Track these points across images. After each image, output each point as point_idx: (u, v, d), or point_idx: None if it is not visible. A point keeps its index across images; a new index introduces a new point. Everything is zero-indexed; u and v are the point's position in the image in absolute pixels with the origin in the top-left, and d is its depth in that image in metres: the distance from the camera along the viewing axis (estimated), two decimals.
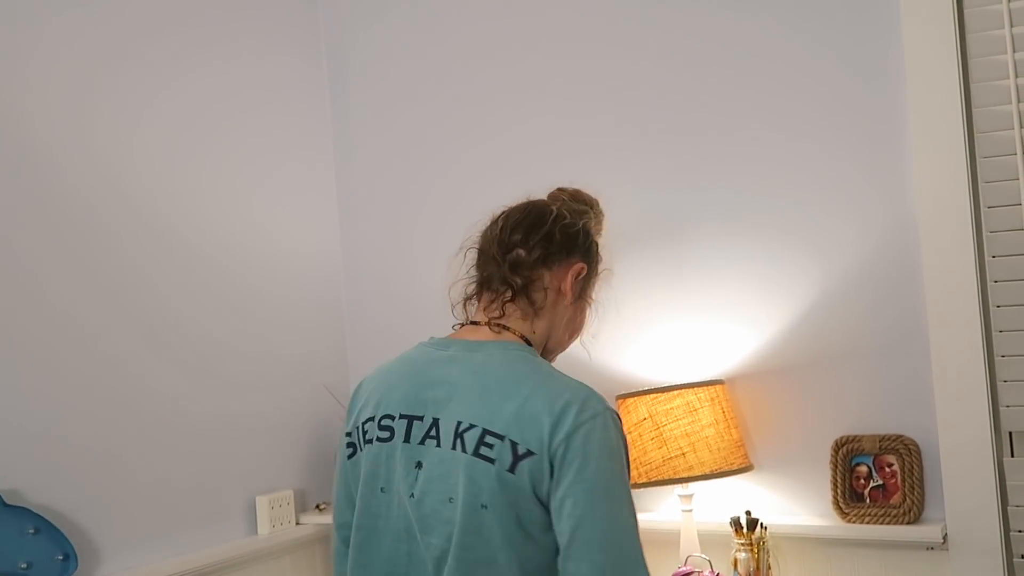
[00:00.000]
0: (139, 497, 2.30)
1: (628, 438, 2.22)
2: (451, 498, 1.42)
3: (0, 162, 2.10)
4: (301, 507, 2.72)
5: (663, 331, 2.46)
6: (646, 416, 2.22)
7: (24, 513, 2.01)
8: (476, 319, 1.61)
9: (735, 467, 2.20)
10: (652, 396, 2.24)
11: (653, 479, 2.19)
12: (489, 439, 1.41)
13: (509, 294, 1.57)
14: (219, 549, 2.44)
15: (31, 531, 2.01)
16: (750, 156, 2.35)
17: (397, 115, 2.91)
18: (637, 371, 2.49)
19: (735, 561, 2.19)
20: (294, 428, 2.75)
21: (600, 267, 1.69)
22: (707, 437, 2.18)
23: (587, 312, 1.70)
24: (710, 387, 2.25)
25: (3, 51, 2.13)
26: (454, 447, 1.44)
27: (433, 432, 1.47)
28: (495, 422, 1.42)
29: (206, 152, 2.59)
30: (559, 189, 1.72)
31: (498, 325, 1.57)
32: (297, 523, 2.66)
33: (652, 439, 2.20)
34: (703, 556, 2.21)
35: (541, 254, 1.59)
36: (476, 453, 1.41)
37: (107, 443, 2.25)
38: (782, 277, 2.31)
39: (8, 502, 1.99)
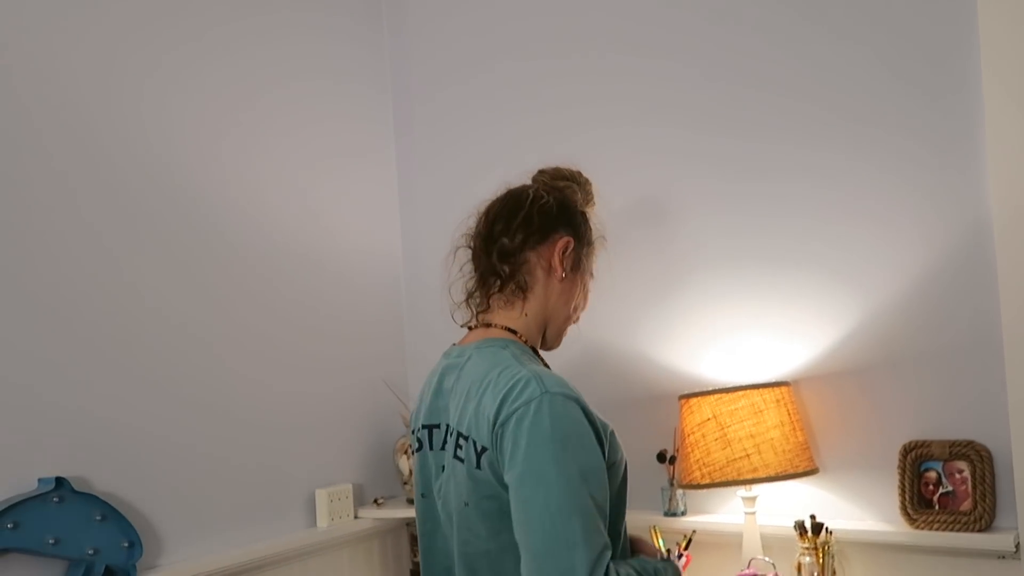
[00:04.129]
0: (202, 488, 2.33)
1: (691, 439, 2.21)
2: (455, 498, 1.52)
3: (96, 162, 2.14)
4: (359, 501, 2.73)
5: (731, 332, 2.43)
6: (710, 416, 2.19)
7: (92, 500, 2.04)
8: (480, 320, 1.65)
9: (800, 470, 2.16)
10: (716, 396, 2.21)
11: (717, 480, 2.16)
12: (461, 441, 1.49)
13: (499, 284, 1.61)
14: (279, 541, 2.46)
15: (98, 518, 2.04)
16: (821, 151, 2.31)
17: (460, 112, 2.91)
18: (703, 372, 2.46)
19: (799, 565, 2.16)
20: (353, 423, 2.77)
21: (592, 237, 1.69)
22: (772, 439, 2.15)
23: (587, 283, 1.70)
24: (776, 388, 2.21)
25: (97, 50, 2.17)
26: (449, 451, 1.53)
27: (444, 438, 1.56)
28: (463, 423, 1.49)
29: (280, 155, 2.61)
30: (539, 171, 1.73)
31: (485, 323, 1.62)
32: (355, 517, 2.67)
33: (716, 440, 2.17)
34: (767, 559, 2.18)
35: (523, 237, 1.61)
36: (455, 455, 1.51)
37: (173, 434, 2.28)
38: (851, 277, 2.26)
39: (76, 488, 2.02)
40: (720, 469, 2.16)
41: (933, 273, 2.17)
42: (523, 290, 1.60)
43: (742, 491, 2.23)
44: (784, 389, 2.23)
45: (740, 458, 2.15)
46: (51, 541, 1.95)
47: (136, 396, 2.21)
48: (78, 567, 2.00)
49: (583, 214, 1.69)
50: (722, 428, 2.17)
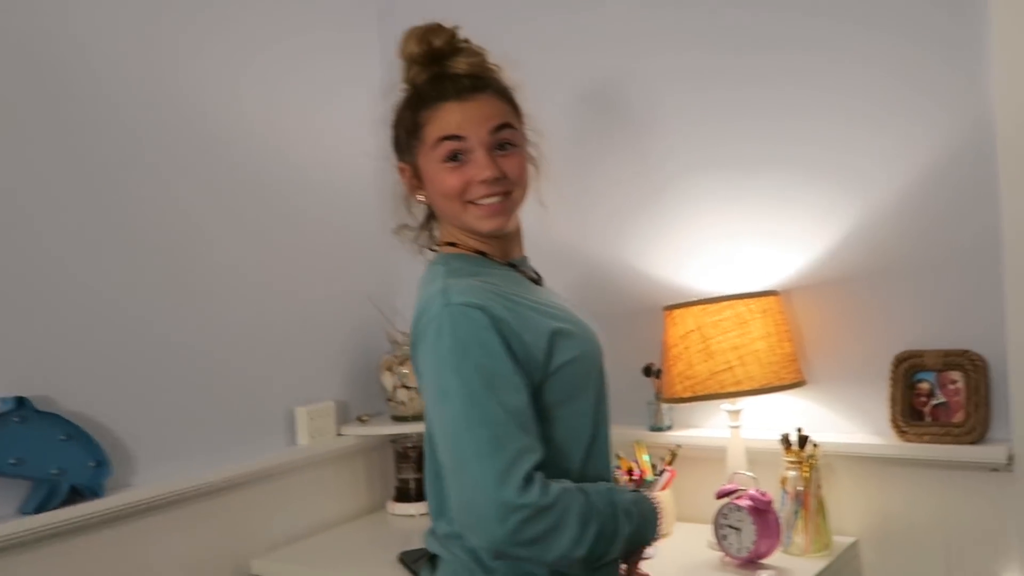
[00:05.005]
0: (176, 405, 2.28)
1: (674, 352, 2.13)
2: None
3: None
4: (343, 419, 2.68)
5: (719, 239, 2.33)
6: (693, 328, 2.11)
7: (55, 419, 1.99)
8: None
9: (786, 382, 2.08)
10: (700, 307, 2.12)
11: (699, 393, 2.09)
12: None
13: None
14: (257, 460, 2.41)
15: (62, 438, 1.99)
16: (815, 50, 2.18)
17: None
18: (690, 282, 2.37)
19: (784, 479, 2.09)
20: (336, 339, 2.70)
21: (403, 104, 1.49)
22: (757, 350, 2.07)
23: (432, 165, 1.45)
24: (762, 298, 2.12)
25: None
26: None
27: None
28: None
29: (263, 60, 2.50)
30: None
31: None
32: (338, 434, 2.63)
33: (699, 352, 2.09)
34: (749, 474, 2.11)
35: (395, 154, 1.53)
36: None
37: (144, 349, 2.21)
38: (846, 181, 2.15)
39: (39, 408, 1.97)
40: (702, 382, 2.09)
41: (931, 177, 2.06)
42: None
43: (727, 405, 2.16)
44: (772, 299, 2.14)
45: (723, 371, 2.07)
46: (12, 461, 1.90)
47: (105, 309, 2.14)
48: (41, 487, 1.95)
49: (401, 112, 1.50)
50: (705, 340, 2.09)
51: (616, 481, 1.54)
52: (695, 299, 2.18)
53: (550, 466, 1.33)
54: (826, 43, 2.16)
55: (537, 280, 1.58)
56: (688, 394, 2.11)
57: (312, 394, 2.61)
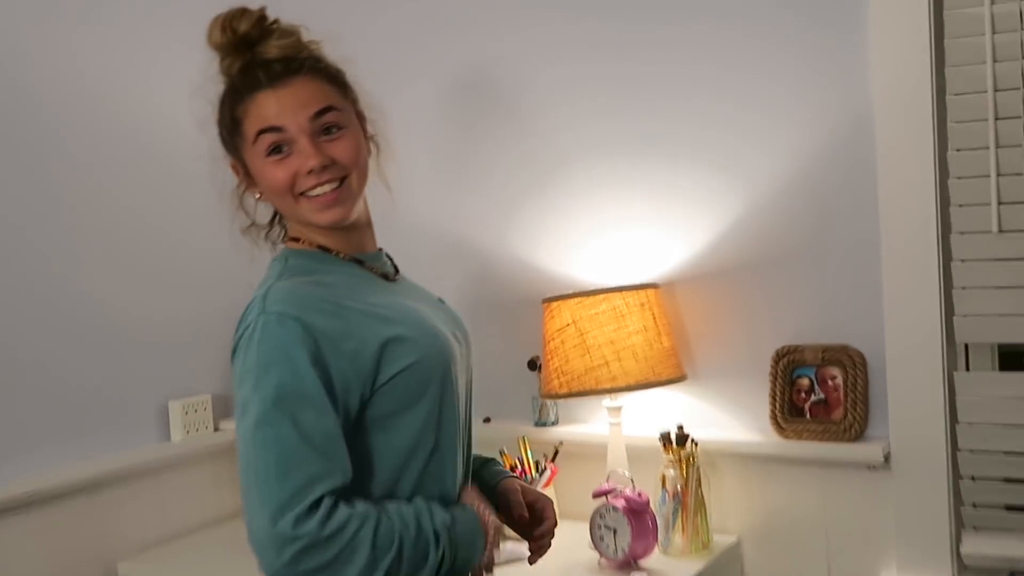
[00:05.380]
0: (38, 396, 2.16)
1: (551, 346, 2.06)
2: None
3: None
4: (222, 413, 2.57)
5: (600, 229, 2.26)
6: (570, 322, 2.04)
7: None
8: None
9: (664, 378, 2.03)
10: (577, 300, 2.05)
11: (575, 389, 2.03)
12: None
13: None
14: (127, 455, 2.30)
15: None
16: (695, 26, 2.11)
17: None
18: (571, 273, 2.29)
19: (663, 478, 2.04)
20: (214, 330, 2.57)
21: (222, 112, 1.38)
22: (633, 345, 2.01)
23: (257, 161, 1.34)
24: (640, 291, 2.06)
25: None
26: None
27: None
28: None
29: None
30: None
31: None
32: (216, 429, 2.52)
33: (575, 347, 2.03)
34: (625, 473, 2.05)
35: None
36: None
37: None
38: (724, 172, 2.09)
39: None
40: (578, 378, 2.02)
41: (810, 169, 2.01)
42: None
43: (607, 400, 2.10)
44: (650, 292, 2.08)
45: (599, 366, 2.00)
46: None
47: None
48: None
49: (219, 108, 1.38)
50: (581, 334, 2.02)
51: (461, 496, 1.44)
52: (572, 292, 2.11)
53: (378, 482, 1.26)
54: (713, 14, 2.08)
55: (389, 275, 1.47)
56: (564, 390, 2.04)
57: (187, 387, 2.50)
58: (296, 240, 1.41)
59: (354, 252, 1.42)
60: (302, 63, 1.33)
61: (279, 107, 1.30)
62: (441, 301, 1.55)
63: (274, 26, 1.34)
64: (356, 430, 1.28)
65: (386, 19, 2.52)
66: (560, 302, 2.07)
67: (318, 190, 1.33)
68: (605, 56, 2.22)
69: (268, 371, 1.20)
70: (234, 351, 1.29)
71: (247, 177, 1.39)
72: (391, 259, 1.52)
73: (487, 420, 2.41)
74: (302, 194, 1.33)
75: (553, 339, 2.07)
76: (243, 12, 1.32)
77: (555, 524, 1.48)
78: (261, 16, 1.33)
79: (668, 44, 2.14)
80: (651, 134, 2.17)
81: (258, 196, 1.40)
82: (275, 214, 1.46)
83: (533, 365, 2.29)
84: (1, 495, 2.03)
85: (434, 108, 2.43)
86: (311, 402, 1.20)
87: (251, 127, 1.32)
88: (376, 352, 1.27)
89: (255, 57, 1.33)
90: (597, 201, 2.26)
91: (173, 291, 2.47)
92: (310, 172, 1.31)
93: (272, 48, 1.32)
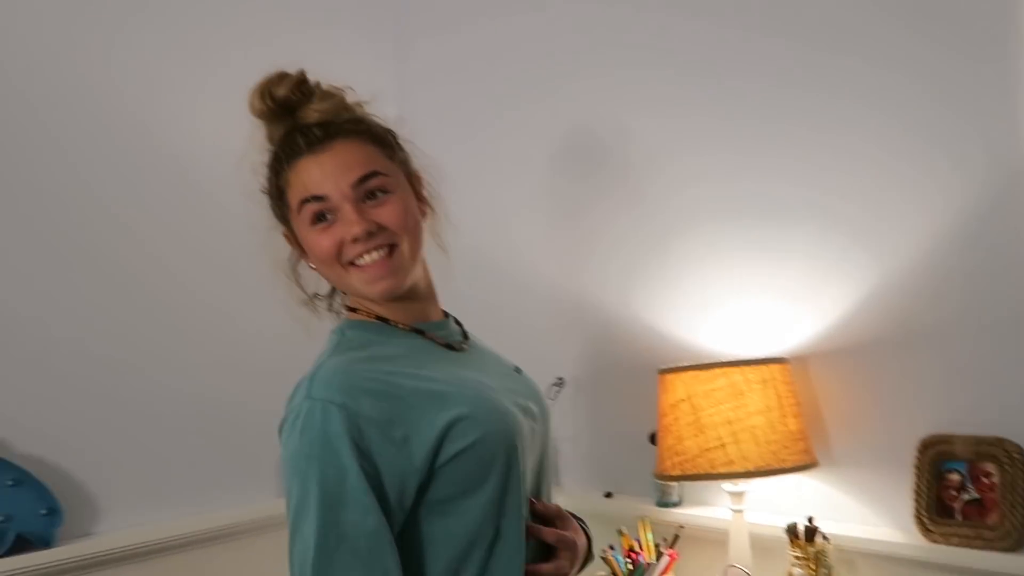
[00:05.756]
0: (149, 448, 2.18)
1: (664, 422, 1.90)
2: None
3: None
4: None
5: (724, 296, 2.08)
6: (684, 397, 1.87)
7: (1, 464, 1.92)
8: None
9: (789, 465, 1.81)
10: (692, 374, 1.88)
11: (688, 472, 1.85)
12: None
13: None
14: (246, 511, 2.29)
15: (10, 483, 1.92)
16: (834, 95, 1.91)
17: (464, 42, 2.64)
18: (692, 341, 2.12)
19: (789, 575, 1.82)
20: None
21: (269, 180, 1.32)
22: (753, 426, 1.81)
23: (303, 230, 1.29)
24: (762, 366, 1.86)
25: None
26: None
27: None
28: None
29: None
30: None
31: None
32: None
33: (689, 425, 1.85)
34: (744, 570, 1.85)
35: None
36: None
37: (112, 386, 2.13)
38: (858, 237, 1.87)
39: None
40: (692, 460, 1.84)
41: (965, 234, 1.76)
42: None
43: (728, 485, 1.90)
44: (775, 367, 1.87)
45: (714, 448, 1.82)
46: None
47: (63, 345, 2.06)
48: None
49: (273, 152, 1.30)
50: (696, 411, 1.84)
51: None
52: (688, 364, 1.93)
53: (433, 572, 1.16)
54: (849, 85, 1.88)
55: (455, 345, 1.37)
56: (677, 472, 1.86)
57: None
58: (354, 310, 1.34)
59: (415, 321, 1.33)
60: (341, 126, 1.26)
61: (320, 174, 1.24)
62: (518, 370, 1.43)
63: (314, 89, 1.28)
64: (411, 516, 1.18)
65: (496, 78, 2.47)
66: (674, 375, 1.91)
67: (366, 258, 1.25)
68: (727, 114, 2.06)
69: (311, 464, 1.12)
70: (280, 427, 1.21)
71: (299, 246, 1.33)
72: (461, 325, 1.42)
73: (608, 495, 2.26)
74: (351, 263, 1.26)
75: (667, 415, 1.90)
76: (281, 77, 1.26)
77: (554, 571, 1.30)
78: (300, 80, 1.27)
79: (795, 105, 1.96)
80: (777, 197, 1.99)
81: (311, 266, 1.33)
82: None
83: (653, 439, 2.12)
84: (106, 546, 2.04)
85: (549, 169, 2.34)
86: (354, 500, 1.12)
87: (294, 196, 1.26)
88: (431, 434, 1.17)
89: (296, 122, 1.27)
90: (718, 266, 2.08)
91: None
92: (355, 240, 1.24)
93: (312, 112, 1.26)
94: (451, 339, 1.37)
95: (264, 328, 2.36)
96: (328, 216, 1.25)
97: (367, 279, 1.26)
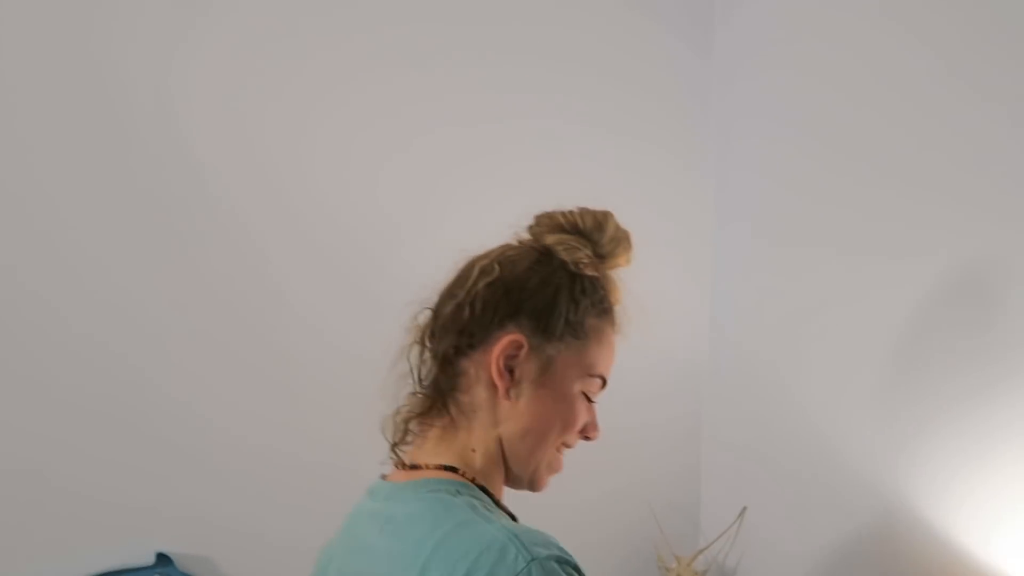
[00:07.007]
0: None
1: None
2: None
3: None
4: None
5: None
6: None
7: None
8: (408, 457, 1.14)
9: None
10: None
11: None
12: None
13: (427, 403, 1.08)
14: None
15: None
16: None
17: (786, 159, 2.26)
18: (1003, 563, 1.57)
19: None
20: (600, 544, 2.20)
21: (590, 319, 1.10)
22: None
23: (569, 402, 1.10)
24: None
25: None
26: None
27: None
28: None
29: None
30: (546, 214, 1.14)
31: (412, 464, 1.10)
32: None
33: None
34: None
35: (453, 338, 1.06)
36: None
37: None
38: None
39: (183, 571, 1.83)
40: None
41: None
42: (464, 414, 1.09)
43: None
44: None
45: None
46: None
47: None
48: None
49: (571, 287, 1.09)
50: None
51: None
52: None
53: None
54: None
55: None
56: None
57: None
58: (449, 469, 1.07)
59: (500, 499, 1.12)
60: None
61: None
62: None
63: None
64: None
65: None
66: None
67: (564, 451, 1.14)
68: None
69: None
70: None
71: (525, 367, 1.08)
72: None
73: None
74: (565, 445, 1.14)
75: None
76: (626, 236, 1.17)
77: None
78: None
79: None
80: None
81: (507, 400, 1.07)
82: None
83: None
84: None
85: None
86: None
87: (599, 363, 1.13)
88: None
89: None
90: None
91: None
92: (586, 437, 1.16)
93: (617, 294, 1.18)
94: None
95: None
96: (593, 400, 1.15)
97: (553, 469, 1.14)
